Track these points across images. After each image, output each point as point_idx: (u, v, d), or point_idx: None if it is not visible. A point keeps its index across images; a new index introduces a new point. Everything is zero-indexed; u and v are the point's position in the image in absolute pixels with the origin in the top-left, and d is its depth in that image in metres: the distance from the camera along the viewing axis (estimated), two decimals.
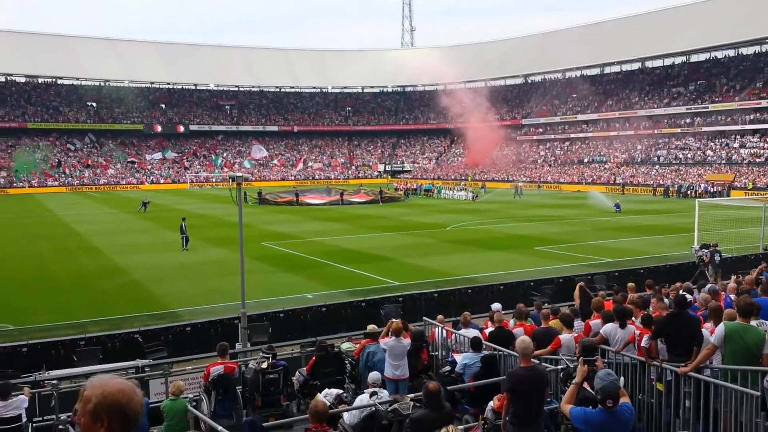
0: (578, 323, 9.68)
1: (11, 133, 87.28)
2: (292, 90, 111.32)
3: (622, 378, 7.25)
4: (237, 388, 9.44)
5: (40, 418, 9.38)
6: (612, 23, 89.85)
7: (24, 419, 8.47)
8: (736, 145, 68.74)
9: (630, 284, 12.35)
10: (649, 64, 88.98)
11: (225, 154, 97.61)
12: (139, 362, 12.14)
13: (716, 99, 73.97)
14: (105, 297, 19.83)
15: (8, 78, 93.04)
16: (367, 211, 47.48)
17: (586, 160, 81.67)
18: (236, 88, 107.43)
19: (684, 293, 10.01)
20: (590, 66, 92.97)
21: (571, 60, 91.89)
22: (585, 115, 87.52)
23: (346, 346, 10.95)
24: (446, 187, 67.61)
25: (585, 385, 6.16)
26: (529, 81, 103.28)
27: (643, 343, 7.72)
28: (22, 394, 8.74)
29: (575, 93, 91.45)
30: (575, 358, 7.51)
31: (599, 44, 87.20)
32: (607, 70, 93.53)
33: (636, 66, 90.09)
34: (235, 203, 13.84)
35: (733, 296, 10.38)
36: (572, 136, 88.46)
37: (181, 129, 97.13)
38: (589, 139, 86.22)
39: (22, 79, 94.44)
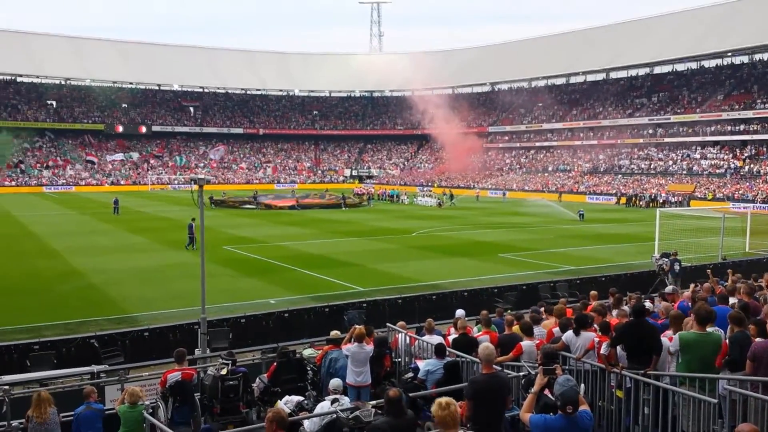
0: (539, 330, 9.74)
1: None
2: (258, 92, 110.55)
3: (582, 385, 7.29)
4: (195, 395, 9.23)
5: None
6: (577, 34, 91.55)
7: None
8: (697, 156, 70.52)
9: (593, 292, 12.49)
10: (613, 75, 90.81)
11: (188, 156, 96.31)
12: (95, 368, 11.82)
13: (678, 111, 75.82)
14: (61, 300, 19.31)
15: None
16: (332, 216, 47.32)
17: (550, 169, 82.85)
18: (201, 89, 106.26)
19: (643, 301, 10.17)
20: (556, 75, 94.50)
21: (537, 69, 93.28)
22: (550, 124, 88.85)
23: (308, 352, 10.80)
24: (423, 193, 67.53)
25: (546, 392, 6.17)
26: (496, 89, 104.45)
27: (602, 351, 7.79)
28: None
29: (541, 102, 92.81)
30: (537, 364, 7.53)
31: (565, 54, 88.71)
32: (573, 80, 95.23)
33: (601, 77, 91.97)
34: (196, 205, 13.60)
35: (688, 303, 10.60)
36: (537, 144, 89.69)
37: (144, 130, 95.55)
38: (554, 147, 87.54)
39: None
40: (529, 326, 9.26)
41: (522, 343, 8.70)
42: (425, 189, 73.18)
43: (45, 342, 13.72)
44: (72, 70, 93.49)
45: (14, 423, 8.35)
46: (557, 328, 9.15)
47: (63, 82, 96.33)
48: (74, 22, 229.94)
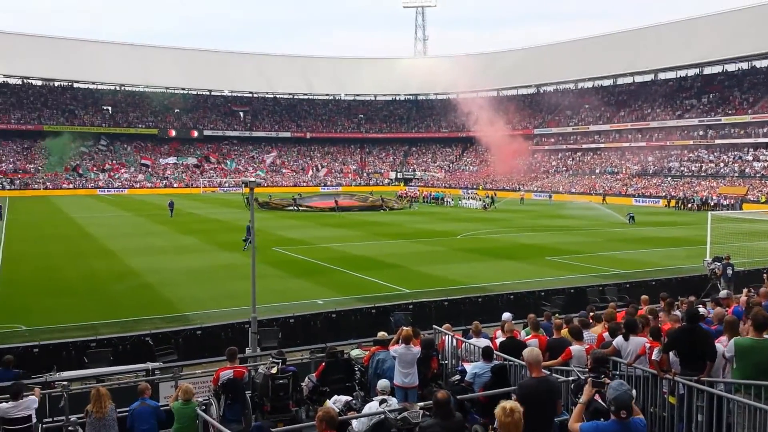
0: (589, 334, 9.62)
1: (27, 136, 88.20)
2: (306, 97, 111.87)
3: (634, 390, 7.20)
4: (246, 392, 9.43)
5: (50, 420, 9.32)
6: (625, 34, 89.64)
7: (34, 420, 8.46)
8: (750, 158, 68.27)
9: (644, 297, 12.27)
10: (662, 75, 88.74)
11: (238, 159, 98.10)
12: (150, 365, 12.16)
13: (729, 112, 73.57)
14: (117, 299, 19.93)
15: (25, 81, 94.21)
16: (378, 218, 47.52)
17: (598, 171, 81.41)
18: (250, 95, 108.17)
19: (696, 307, 9.95)
20: (603, 77, 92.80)
21: (584, 70, 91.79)
22: (597, 126, 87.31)
23: (355, 352, 10.90)
24: (467, 195, 67.07)
25: (596, 397, 6.11)
26: (542, 91, 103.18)
27: (653, 357, 7.66)
28: (33, 394, 8.72)
29: (588, 103, 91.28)
30: (586, 369, 7.46)
31: (612, 55, 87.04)
32: (620, 81, 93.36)
33: (649, 77, 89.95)
34: (247, 207, 13.89)
35: (742, 308, 10.32)
36: (584, 146, 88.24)
37: (195, 134, 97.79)
38: (601, 149, 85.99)
39: (39, 82, 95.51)
40: (579, 330, 9.16)
41: (571, 348, 8.62)
42: (469, 191, 72.78)
43: (102, 339, 14.19)
44: (127, 76, 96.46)
45: (72, 418, 8.61)
46: (607, 333, 9.03)
47: (118, 88, 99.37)
48: (130, 30, 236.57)
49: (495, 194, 67.73)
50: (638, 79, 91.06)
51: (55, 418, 9.31)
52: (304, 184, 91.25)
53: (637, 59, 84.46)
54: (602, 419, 5.20)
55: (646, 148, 79.14)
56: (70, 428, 8.49)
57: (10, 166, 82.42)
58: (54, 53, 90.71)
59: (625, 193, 70.05)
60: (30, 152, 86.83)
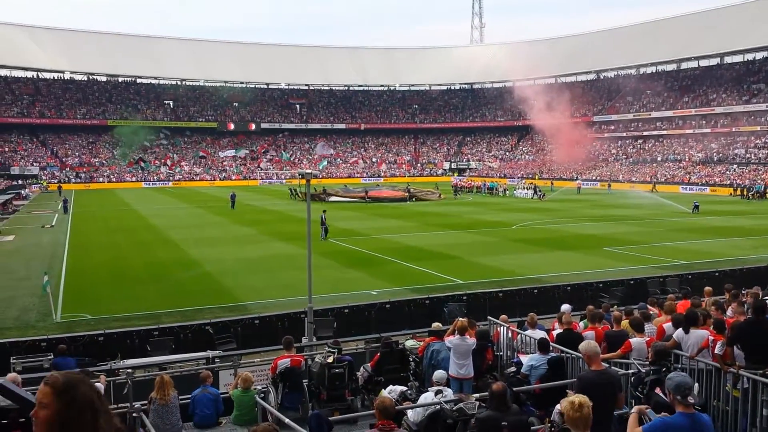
0: (649, 327, 9.39)
1: (92, 130, 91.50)
2: (360, 88, 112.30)
3: (696, 384, 6.99)
4: (303, 381, 9.59)
5: (115, 406, 9.57)
6: (690, 17, 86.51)
7: None
8: None
9: (707, 288, 11.89)
10: (728, 59, 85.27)
11: (293, 151, 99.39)
12: (210, 353, 12.47)
13: None
14: (178, 288, 20.54)
15: (90, 77, 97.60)
16: (432, 208, 47.38)
17: (659, 159, 78.99)
18: (306, 87, 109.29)
19: (763, 299, 9.57)
20: (666, 62, 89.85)
21: (646, 55, 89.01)
22: (659, 112, 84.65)
23: (410, 343, 10.96)
24: (520, 185, 66.02)
25: (657, 390, 5.97)
26: (601, 77, 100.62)
27: (717, 350, 7.42)
28: (98, 381, 9.04)
29: (650, 89, 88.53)
30: (647, 362, 7.29)
31: (675, 39, 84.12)
32: (684, 65, 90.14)
33: (714, 61, 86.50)
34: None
35: None
36: (645, 133, 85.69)
37: (253, 127, 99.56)
38: (664, 136, 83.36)
39: (103, 78, 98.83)
40: (640, 322, 8.94)
41: (631, 340, 8.44)
42: (520, 181, 71.67)
43: (164, 328, 14.64)
44: (188, 71, 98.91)
45: (136, 404, 8.87)
46: (668, 324, 8.79)
47: (179, 83, 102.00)
48: (190, 24, 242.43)
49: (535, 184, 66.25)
50: (703, 63, 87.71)
51: (119, 405, 9.59)
52: (357, 175, 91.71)
53: (702, 42, 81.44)
54: (664, 414, 5.04)
55: (711, 135, 76.35)
56: (134, 415, 8.74)
57: (76, 159, 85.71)
58: (118, 50, 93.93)
59: (689, 181, 67.75)
60: (95, 146, 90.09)
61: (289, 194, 57.40)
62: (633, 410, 5.58)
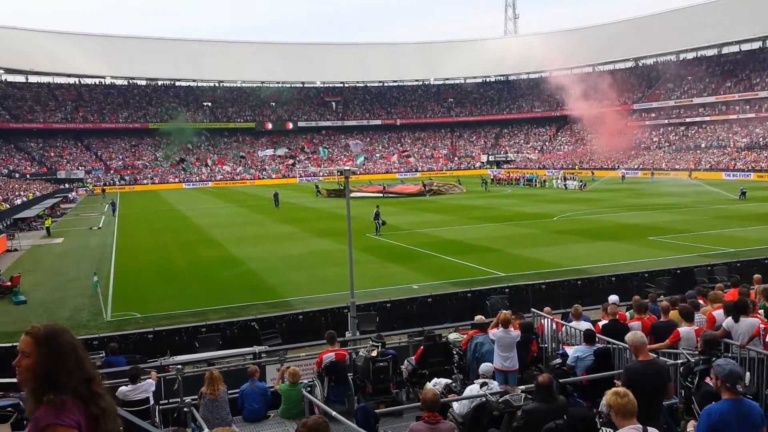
0: (699, 316, 9.21)
1: (134, 134, 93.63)
2: (395, 84, 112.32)
3: (747, 373, 6.85)
4: (348, 375, 9.69)
5: (166, 401, 9.84)
6: (730, 1, 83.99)
7: (151, 402, 8.96)
8: None
9: (756, 276, 11.60)
10: None
11: (331, 148, 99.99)
12: (257, 348, 12.67)
13: None
14: (223, 286, 20.90)
15: (130, 81, 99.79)
16: (471, 201, 47.14)
17: (703, 146, 77.04)
18: (341, 84, 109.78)
19: None
20: (707, 46, 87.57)
21: (686, 41, 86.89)
22: (701, 98, 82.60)
23: (453, 336, 10.95)
24: (561, 176, 65.09)
25: (707, 380, 5.86)
26: (640, 64, 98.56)
27: None
28: (150, 378, 9.27)
29: (690, 75, 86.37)
30: (696, 352, 7.17)
31: (716, 23, 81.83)
32: (725, 50, 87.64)
33: (757, 45, 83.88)
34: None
35: None
36: (688, 120, 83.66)
37: (290, 126, 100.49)
38: (707, 123, 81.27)
39: (143, 82, 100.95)
40: (690, 312, 8.77)
41: (680, 329, 8.30)
42: (557, 172, 70.79)
43: (211, 325, 14.94)
44: (225, 73, 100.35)
45: (186, 399, 9.11)
46: (718, 311, 8.60)
47: (217, 84, 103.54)
48: (226, 27, 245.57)
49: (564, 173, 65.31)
50: (745, 47, 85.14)
51: (170, 400, 9.81)
52: (394, 170, 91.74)
53: (744, 26, 78.98)
54: (714, 402, 4.94)
55: (755, 120, 74.13)
56: (185, 409, 8.94)
57: (120, 163, 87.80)
58: (157, 54, 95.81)
59: (734, 168, 65.94)
60: (137, 149, 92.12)
61: (315, 192, 58.24)
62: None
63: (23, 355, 2.27)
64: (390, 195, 53.85)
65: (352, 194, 53.28)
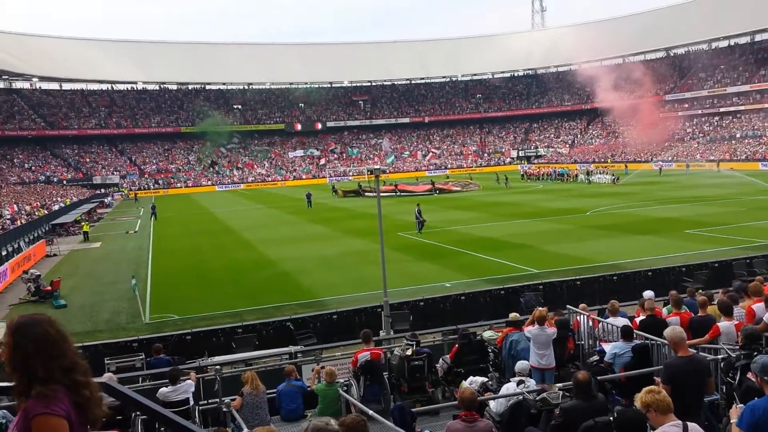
0: (738, 310, 9.05)
1: (167, 138, 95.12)
2: (423, 81, 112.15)
3: None
4: (384, 374, 9.73)
5: (205, 402, 9.95)
6: None
7: (191, 402, 9.09)
8: None
9: None
10: None
11: (360, 147, 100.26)
12: (292, 348, 12.80)
13: None
14: (258, 287, 21.13)
15: (162, 86, 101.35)
16: (503, 198, 46.86)
17: (738, 136, 75.36)
18: (369, 83, 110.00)
19: None
20: (739, 34, 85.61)
21: (718, 29, 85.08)
22: (735, 87, 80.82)
23: (488, 334, 10.92)
24: (593, 170, 64.43)
25: (749, 375, 5.77)
26: (672, 54, 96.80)
27: None
28: (189, 379, 9.41)
29: (723, 64, 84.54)
30: (737, 347, 7.05)
31: (748, 10, 79.90)
32: (758, 37, 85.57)
33: None
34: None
35: None
36: (722, 110, 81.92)
37: (319, 126, 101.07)
38: (741, 112, 79.46)
39: (174, 87, 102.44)
40: (729, 306, 8.63)
41: (719, 324, 8.17)
42: (585, 166, 70.03)
43: (247, 326, 15.11)
44: (254, 75, 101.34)
45: (225, 399, 9.20)
46: (758, 305, 8.45)
47: (246, 87, 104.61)
48: (253, 32, 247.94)
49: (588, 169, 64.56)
50: None
51: (209, 401, 9.93)
52: (423, 168, 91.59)
53: None
54: (757, 398, 4.86)
55: None
56: (224, 409, 9.07)
57: (153, 167, 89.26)
58: (187, 58, 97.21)
59: None
60: (170, 153, 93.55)
61: (331, 191, 59.22)
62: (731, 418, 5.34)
63: (2, 345, 2.33)
64: (402, 194, 54.61)
65: (366, 194, 54.25)
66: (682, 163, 69.66)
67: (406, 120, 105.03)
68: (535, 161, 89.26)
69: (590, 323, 10.31)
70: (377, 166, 15.19)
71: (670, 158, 74.61)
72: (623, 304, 11.86)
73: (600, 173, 60.70)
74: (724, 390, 6.75)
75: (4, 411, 5.68)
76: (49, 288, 21.71)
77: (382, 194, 52.91)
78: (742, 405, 5.13)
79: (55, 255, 32.03)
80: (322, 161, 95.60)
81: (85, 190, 72.92)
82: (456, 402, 6.64)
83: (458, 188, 57.32)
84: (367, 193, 54.78)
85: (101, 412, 2.36)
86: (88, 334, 16.40)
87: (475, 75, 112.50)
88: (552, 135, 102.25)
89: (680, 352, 5.95)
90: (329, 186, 65.47)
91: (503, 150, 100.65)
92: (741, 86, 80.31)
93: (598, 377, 7.49)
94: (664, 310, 10.11)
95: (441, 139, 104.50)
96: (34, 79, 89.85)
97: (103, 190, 76.95)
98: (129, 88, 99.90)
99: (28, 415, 2.20)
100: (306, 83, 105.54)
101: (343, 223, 36.40)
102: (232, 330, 14.80)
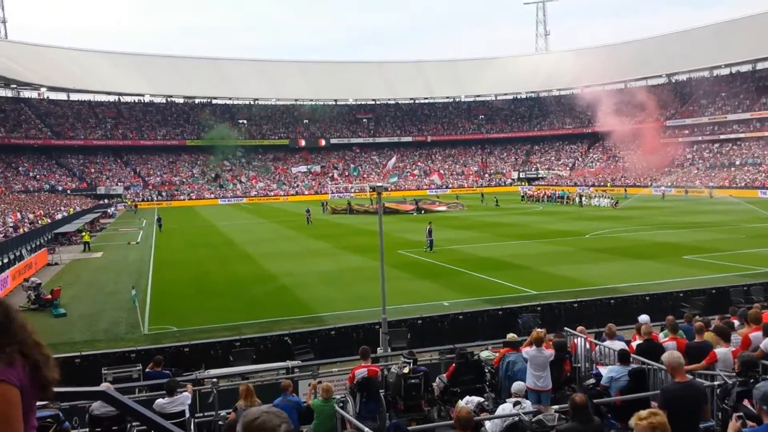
0: (734, 337, 9.10)
1: (172, 150, 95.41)
2: (426, 101, 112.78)
3: None
4: (380, 391, 9.73)
5: (201, 415, 9.97)
6: (764, 16, 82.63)
7: (187, 415, 9.05)
8: None
9: None
10: None
11: (362, 165, 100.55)
12: (290, 363, 12.80)
13: None
14: (257, 301, 21.16)
15: (168, 99, 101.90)
16: (502, 219, 46.95)
17: (738, 163, 75.62)
18: (373, 102, 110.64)
19: None
20: (741, 62, 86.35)
21: (719, 57, 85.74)
22: (736, 115, 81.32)
23: (485, 354, 10.94)
24: (592, 193, 64.79)
25: (745, 402, 5.82)
26: (673, 80, 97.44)
27: None
28: (186, 391, 9.40)
29: (724, 91, 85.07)
30: (734, 373, 7.09)
31: (749, 39, 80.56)
32: (760, 66, 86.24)
33: None
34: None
35: None
36: (722, 137, 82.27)
37: (323, 143, 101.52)
38: (741, 140, 79.82)
39: (181, 100, 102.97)
40: (726, 331, 8.68)
41: (716, 350, 8.21)
42: (587, 189, 70.33)
43: (245, 339, 15.10)
44: (260, 91, 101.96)
45: (222, 413, 9.21)
46: (755, 333, 8.50)
47: (252, 102, 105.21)
48: (260, 46, 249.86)
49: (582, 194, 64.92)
50: None
51: (205, 414, 9.93)
52: (425, 187, 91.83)
53: None
54: (752, 425, 4.90)
55: None
56: (219, 423, 9.06)
57: (158, 179, 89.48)
58: (194, 73, 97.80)
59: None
60: (175, 165, 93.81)
61: (321, 208, 59.87)
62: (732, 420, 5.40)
63: None
64: (386, 211, 54.98)
65: (355, 212, 54.90)
66: (681, 189, 69.88)
67: (409, 139, 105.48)
68: (536, 183, 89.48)
69: (587, 346, 10.33)
70: (379, 184, 15.29)
71: (669, 184, 74.82)
72: (620, 327, 11.88)
73: (599, 197, 60.85)
74: (719, 417, 6.78)
75: None
76: (50, 296, 21.72)
77: (405, 212, 53.91)
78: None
79: (56, 264, 32.07)
80: (325, 177, 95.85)
81: (88, 200, 73.01)
82: (452, 421, 6.67)
83: (443, 207, 58.14)
84: (355, 212, 56.25)
85: (56, 375, 2.27)
86: (87, 343, 16.43)
87: (478, 96, 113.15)
88: (553, 157, 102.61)
89: (677, 378, 6.00)
90: (322, 203, 65.92)
91: (504, 171, 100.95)
92: (742, 114, 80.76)
93: (594, 400, 7.53)
94: (661, 335, 10.15)
95: (443, 159, 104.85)
96: (42, 89, 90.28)
97: (106, 201, 77.06)
98: (136, 101, 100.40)
99: None
100: (311, 100, 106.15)
101: (344, 240, 36.46)
102: (230, 343, 14.77)
